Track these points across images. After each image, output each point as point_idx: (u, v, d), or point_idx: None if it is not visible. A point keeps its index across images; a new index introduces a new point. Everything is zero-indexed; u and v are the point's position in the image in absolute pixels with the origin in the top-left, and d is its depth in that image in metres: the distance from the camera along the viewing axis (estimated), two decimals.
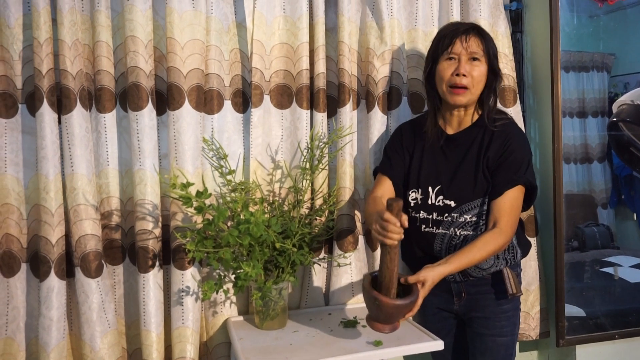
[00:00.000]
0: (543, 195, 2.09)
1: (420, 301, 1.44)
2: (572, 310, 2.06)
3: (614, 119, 2.29)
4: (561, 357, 2.14)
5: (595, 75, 2.35)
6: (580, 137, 2.31)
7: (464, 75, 1.57)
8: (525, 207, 1.66)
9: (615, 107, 2.30)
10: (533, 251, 2.01)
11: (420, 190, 1.69)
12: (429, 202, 1.67)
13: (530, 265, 2.01)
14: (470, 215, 1.62)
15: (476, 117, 1.66)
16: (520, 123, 2.01)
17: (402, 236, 1.37)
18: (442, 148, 1.68)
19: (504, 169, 1.58)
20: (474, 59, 1.58)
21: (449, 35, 1.59)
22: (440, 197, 1.65)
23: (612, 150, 2.33)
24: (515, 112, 2.00)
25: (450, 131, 1.68)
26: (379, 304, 1.40)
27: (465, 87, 1.58)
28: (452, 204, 1.63)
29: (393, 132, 1.81)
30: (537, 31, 2.08)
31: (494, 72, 1.61)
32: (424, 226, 1.68)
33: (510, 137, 1.60)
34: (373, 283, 1.47)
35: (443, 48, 1.60)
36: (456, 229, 1.63)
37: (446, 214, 1.64)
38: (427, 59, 1.68)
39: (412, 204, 1.70)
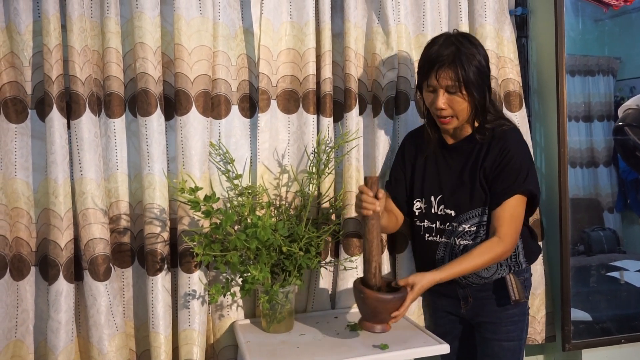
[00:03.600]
0: (549, 200, 2.10)
1: (408, 302, 1.47)
2: (578, 314, 2.06)
3: (620, 124, 2.29)
4: None
5: (601, 79, 2.35)
6: (586, 141, 2.31)
7: (443, 108, 1.55)
8: (529, 213, 1.65)
9: (620, 112, 2.30)
10: (539, 255, 2.01)
11: (423, 199, 1.71)
12: (432, 211, 1.68)
13: (536, 269, 2.01)
14: (469, 225, 1.62)
15: (476, 124, 1.64)
16: (525, 127, 2.02)
17: (378, 208, 1.48)
18: (444, 157, 1.68)
19: (502, 178, 1.57)
20: (450, 92, 1.54)
21: (426, 66, 1.56)
22: (442, 206, 1.66)
23: (618, 155, 2.33)
24: (520, 116, 2.00)
25: (450, 140, 1.68)
26: (363, 296, 1.46)
27: (451, 116, 1.58)
28: (452, 213, 1.64)
29: (400, 143, 1.83)
30: (543, 36, 2.08)
31: (479, 95, 1.55)
32: (427, 235, 1.70)
33: (508, 145, 1.58)
34: (363, 284, 1.53)
35: (422, 78, 1.59)
36: (456, 239, 1.64)
37: (447, 223, 1.65)
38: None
39: (416, 213, 1.72)
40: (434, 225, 1.69)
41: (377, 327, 1.48)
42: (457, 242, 1.64)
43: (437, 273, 1.52)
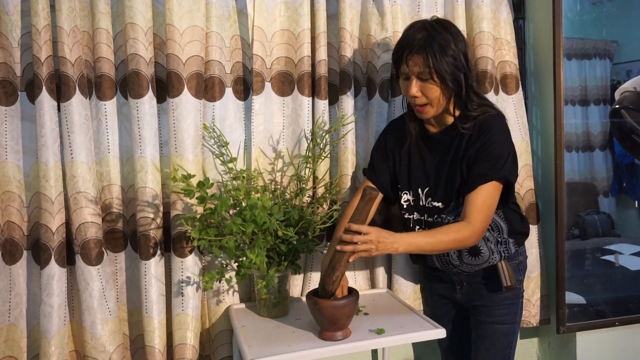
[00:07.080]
0: (545, 183, 2.09)
1: (371, 232, 1.39)
2: (572, 297, 2.06)
3: (616, 107, 2.27)
4: (561, 344, 2.15)
5: (598, 63, 2.33)
6: (582, 125, 2.30)
7: (416, 96, 1.52)
8: (501, 204, 1.58)
9: (618, 94, 2.29)
10: (534, 238, 2.01)
11: (411, 192, 1.68)
12: (420, 203, 1.66)
13: (531, 252, 2.01)
14: (454, 216, 1.58)
15: (457, 113, 1.58)
16: (522, 110, 2.00)
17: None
18: (427, 148, 1.65)
19: (479, 163, 1.52)
20: (422, 78, 1.50)
21: (398, 52, 1.52)
22: (429, 199, 1.64)
23: (614, 138, 2.32)
24: (517, 99, 1.99)
25: (432, 130, 1.64)
26: (318, 307, 1.45)
27: (425, 104, 1.54)
28: (440, 205, 1.62)
29: (381, 131, 1.78)
30: (540, 18, 2.06)
31: (454, 84, 1.50)
32: (417, 227, 1.67)
33: (488, 130, 1.52)
34: (315, 295, 1.51)
35: (396, 65, 1.55)
36: None
37: (435, 216, 1.63)
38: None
39: (404, 206, 1.69)
40: (422, 217, 1.66)
41: (338, 334, 1.48)
42: None
43: (398, 235, 1.44)
